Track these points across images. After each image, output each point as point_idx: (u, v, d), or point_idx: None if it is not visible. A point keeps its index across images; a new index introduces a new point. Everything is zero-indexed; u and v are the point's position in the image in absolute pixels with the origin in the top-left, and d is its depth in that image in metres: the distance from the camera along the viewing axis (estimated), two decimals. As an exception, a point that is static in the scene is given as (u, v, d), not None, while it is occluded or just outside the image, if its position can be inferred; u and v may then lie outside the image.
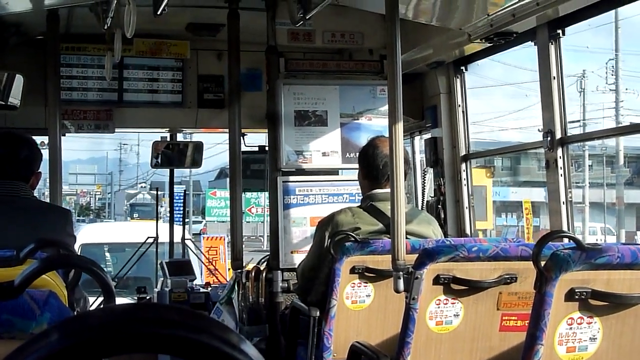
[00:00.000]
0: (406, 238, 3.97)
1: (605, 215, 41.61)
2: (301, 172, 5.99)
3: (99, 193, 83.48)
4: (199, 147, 7.50)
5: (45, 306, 1.60)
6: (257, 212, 37.28)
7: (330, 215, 4.80)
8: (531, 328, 2.67)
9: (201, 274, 10.09)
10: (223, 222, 36.33)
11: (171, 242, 8.28)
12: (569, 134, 4.86)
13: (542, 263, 2.66)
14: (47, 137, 5.99)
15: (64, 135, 6.43)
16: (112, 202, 74.96)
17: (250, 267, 6.21)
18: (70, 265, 2.12)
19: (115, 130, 6.90)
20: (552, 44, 4.85)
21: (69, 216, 4.60)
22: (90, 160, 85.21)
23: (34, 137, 4.55)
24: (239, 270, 6.05)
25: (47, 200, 5.95)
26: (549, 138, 4.79)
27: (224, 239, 15.22)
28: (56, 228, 4.17)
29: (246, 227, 36.16)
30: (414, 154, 6.81)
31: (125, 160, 79.50)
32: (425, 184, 6.28)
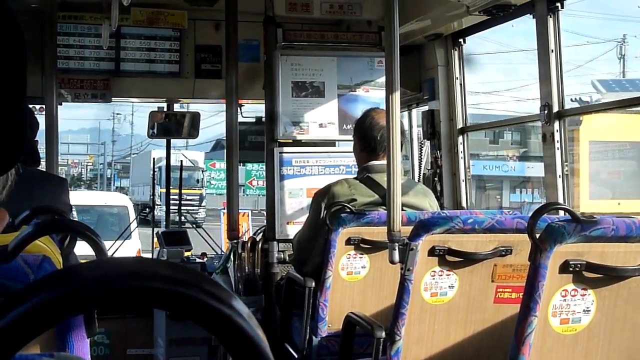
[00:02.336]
0: (402, 210, 3.98)
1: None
2: (298, 143, 5.99)
3: (91, 164, 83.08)
4: (196, 117, 7.49)
5: (39, 270, 1.60)
6: (257, 184, 36.97)
7: (326, 186, 4.80)
8: (525, 300, 2.68)
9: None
10: (221, 194, 36.07)
11: (167, 212, 8.29)
12: (566, 107, 4.86)
13: (537, 235, 2.67)
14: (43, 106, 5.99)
15: (61, 104, 6.41)
16: (105, 173, 74.57)
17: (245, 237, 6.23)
18: (65, 230, 2.12)
19: (112, 100, 6.89)
20: (550, 16, 4.83)
21: (65, 185, 4.59)
22: (82, 130, 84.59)
23: (30, 106, 4.55)
24: (235, 241, 6.06)
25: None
26: (546, 111, 4.78)
27: (248, 215, 15.11)
28: (52, 196, 4.17)
29: (247, 200, 35.94)
30: (410, 126, 6.81)
31: (118, 130, 78.81)
32: (422, 156, 6.28)
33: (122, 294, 0.53)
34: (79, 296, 0.53)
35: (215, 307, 0.55)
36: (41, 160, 5.18)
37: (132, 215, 16.55)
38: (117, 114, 75.07)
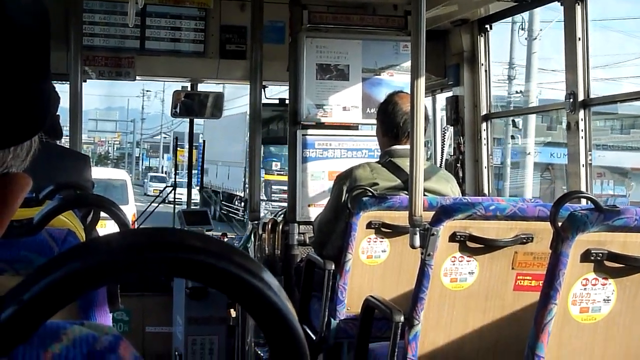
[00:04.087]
0: (424, 195, 3.98)
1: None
2: (321, 126, 5.98)
3: (118, 142, 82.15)
4: (219, 98, 7.49)
5: (63, 244, 1.61)
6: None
7: (348, 169, 4.80)
8: (545, 287, 2.68)
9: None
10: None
11: (189, 191, 8.32)
12: (591, 97, 4.83)
13: (559, 224, 2.66)
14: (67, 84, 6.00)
15: (85, 81, 6.43)
16: (133, 152, 73.40)
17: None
18: (90, 205, 2.13)
19: (137, 78, 6.90)
20: (578, 4, 4.81)
21: (88, 161, 4.62)
22: (109, 108, 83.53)
23: (54, 83, 4.56)
24: (256, 222, 6.07)
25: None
26: (571, 100, 4.76)
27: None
28: (74, 173, 4.19)
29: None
30: (434, 111, 6.79)
31: (147, 108, 77.37)
32: (444, 142, 6.27)
33: (153, 264, 0.54)
34: (110, 265, 0.53)
35: (245, 280, 0.55)
36: (64, 136, 5.20)
37: (130, 187, 18.69)
38: (147, 91, 73.23)
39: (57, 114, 4.65)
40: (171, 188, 8.69)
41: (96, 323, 0.60)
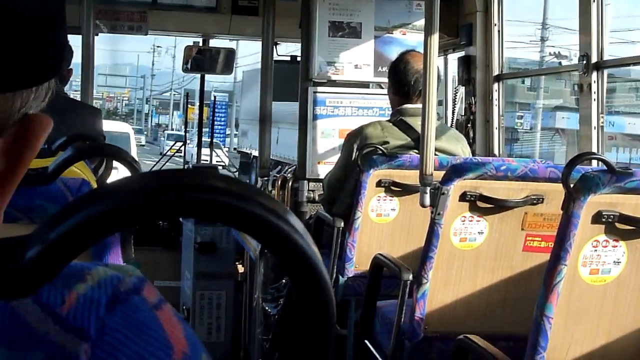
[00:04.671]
0: (434, 154, 3.97)
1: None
2: (332, 83, 5.97)
3: (126, 98, 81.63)
4: (231, 54, 7.47)
5: (78, 193, 1.62)
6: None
7: (359, 127, 4.79)
8: (556, 249, 2.68)
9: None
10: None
11: (199, 147, 8.32)
12: (605, 59, 4.80)
13: (571, 185, 2.66)
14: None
15: (97, 35, 6.41)
16: (143, 108, 72.83)
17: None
18: (104, 154, 2.14)
19: (148, 33, 6.88)
20: (594, -35, 4.76)
21: (99, 114, 4.62)
22: (117, 65, 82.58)
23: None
24: (265, 178, 6.08)
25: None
26: (584, 62, 4.74)
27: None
28: (86, 125, 4.19)
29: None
30: (446, 71, 6.77)
31: (157, 64, 76.51)
32: (456, 102, 6.25)
33: (177, 205, 0.54)
34: (135, 206, 0.53)
35: (270, 221, 0.55)
36: (75, 91, 5.19)
37: (133, 139, 19.81)
38: (158, 46, 72.17)
39: (70, 67, 4.65)
40: (181, 144, 8.72)
41: (120, 265, 0.60)
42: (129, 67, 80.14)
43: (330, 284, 0.59)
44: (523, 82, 36.70)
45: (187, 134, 10.35)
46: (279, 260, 0.58)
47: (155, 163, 10.46)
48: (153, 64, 74.86)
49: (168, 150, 10.77)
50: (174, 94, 63.17)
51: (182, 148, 9.95)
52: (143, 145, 48.89)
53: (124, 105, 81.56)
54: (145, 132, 59.19)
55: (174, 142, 13.59)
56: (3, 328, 0.55)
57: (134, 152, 21.00)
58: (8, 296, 0.55)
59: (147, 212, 0.54)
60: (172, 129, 56.13)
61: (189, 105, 16.56)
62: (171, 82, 64.61)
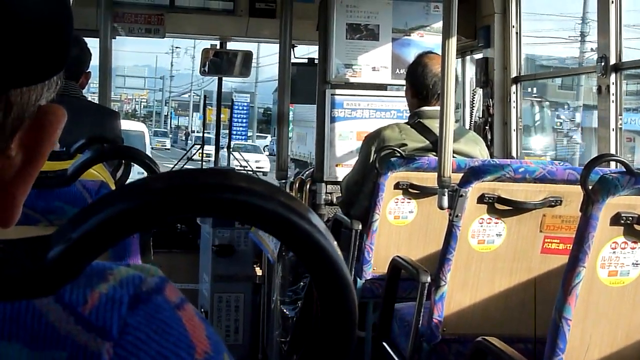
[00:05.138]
0: (452, 157, 3.97)
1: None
2: (350, 86, 5.97)
3: (145, 100, 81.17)
4: (248, 56, 7.48)
5: (97, 195, 1.62)
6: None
7: (377, 130, 4.79)
8: (574, 250, 2.67)
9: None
10: (290, 138, 32.56)
11: (217, 150, 8.33)
12: (623, 60, 4.79)
13: (590, 186, 2.65)
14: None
15: (115, 38, 6.43)
16: (162, 110, 71.79)
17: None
18: (123, 156, 2.14)
19: (166, 36, 6.89)
20: (612, -33, 4.75)
21: (117, 117, 4.64)
22: (137, 66, 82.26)
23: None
24: (283, 181, 6.09)
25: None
26: (602, 63, 4.72)
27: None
28: (104, 128, 4.21)
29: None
30: (464, 73, 6.76)
31: (176, 65, 75.59)
32: (473, 104, 6.24)
33: (200, 204, 0.54)
34: (157, 205, 0.53)
35: (292, 220, 0.55)
36: (93, 93, 5.21)
37: (147, 138, 21.43)
38: (177, 47, 71.95)
39: (89, 70, 4.67)
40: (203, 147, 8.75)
41: (142, 264, 0.61)
42: (147, 68, 79.73)
43: (352, 284, 0.60)
44: (553, 81, 36.27)
45: (204, 135, 10.36)
46: (301, 260, 0.58)
47: (174, 165, 10.48)
48: (172, 65, 74.33)
49: (195, 154, 10.69)
50: (194, 95, 62.63)
51: (201, 150, 9.97)
52: (168, 149, 47.87)
53: (142, 107, 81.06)
54: (169, 135, 57.59)
55: (209, 147, 13.56)
56: (26, 327, 0.55)
57: (147, 150, 21.98)
58: (30, 295, 0.55)
59: (168, 211, 0.54)
60: (193, 131, 55.26)
61: (209, 107, 16.52)
62: (190, 83, 64.14)
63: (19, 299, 0.55)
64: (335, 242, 0.58)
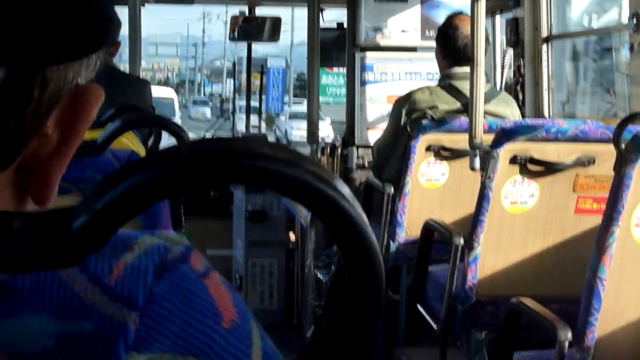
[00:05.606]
0: (484, 118, 3.94)
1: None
2: (379, 49, 5.94)
3: (177, 68, 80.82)
4: (277, 21, 7.46)
5: (127, 164, 1.63)
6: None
7: (407, 93, 4.77)
8: (608, 209, 2.65)
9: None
10: (340, 103, 32.47)
11: (247, 116, 8.34)
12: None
13: (623, 145, 2.63)
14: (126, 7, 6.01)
15: (144, 5, 6.43)
16: (195, 78, 70.66)
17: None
18: (153, 124, 2.15)
19: (194, 2, 6.88)
20: None
21: (148, 86, 4.65)
22: (166, 36, 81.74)
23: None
24: (315, 145, 6.09)
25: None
26: (634, 20, 4.66)
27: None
28: (136, 97, 4.22)
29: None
30: (494, 33, 6.70)
31: (208, 31, 74.39)
32: (504, 65, 6.19)
33: (223, 172, 0.54)
34: (180, 173, 0.53)
35: (318, 188, 0.55)
36: (123, 62, 5.23)
37: (177, 104, 22.63)
38: (208, 13, 70.16)
39: (118, 40, 4.67)
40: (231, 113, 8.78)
41: (167, 233, 0.61)
42: (178, 35, 79.18)
43: (378, 250, 0.59)
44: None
45: (234, 102, 10.37)
46: (327, 227, 0.58)
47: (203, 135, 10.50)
48: (204, 32, 73.30)
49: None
50: (227, 62, 61.39)
51: (232, 118, 9.99)
52: (209, 120, 40.32)
53: (174, 75, 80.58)
54: (209, 104, 51.00)
55: (232, 113, 13.51)
56: (52, 298, 0.56)
57: (177, 115, 23.64)
58: (55, 266, 0.55)
59: (190, 179, 0.54)
60: (226, 98, 52.31)
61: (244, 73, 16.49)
62: (224, 49, 63.32)
63: (44, 269, 0.56)
64: (361, 208, 0.58)
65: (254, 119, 9.30)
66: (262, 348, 0.61)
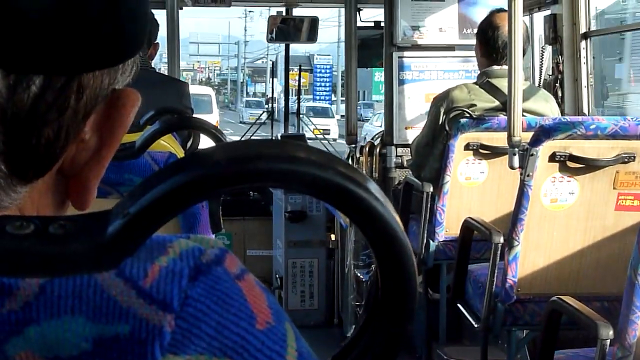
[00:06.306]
0: (522, 116, 3.92)
1: None
2: (417, 47, 5.93)
3: (218, 68, 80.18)
4: (314, 22, 7.46)
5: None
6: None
7: (445, 91, 4.75)
8: (648, 206, 2.63)
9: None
10: None
11: (286, 116, 8.36)
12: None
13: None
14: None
15: (181, 8, 6.46)
16: (238, 78, 69.53)
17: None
18: (191, 127, 2.16)
19: (232, 4, 6.90)
20: None
21: (186, 88, 4.67)
22: (207, 35, 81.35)
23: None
24: (353, 145, 6.09)
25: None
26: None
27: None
28: (173, 100, 4.24)
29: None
30: (532, 31, 6.66)
31: (250, 29, 73.02)
32: (543, 62, 6.15)
33: (257, 175, 0.55)
34: (214, 177, 0.54)
35: (350, 190, 0.55)
36: (163, 63, 5.24)
37: (214, 100, 24.22)
38: (250, 11, 68.65)
39: (157, 42, 4.70)
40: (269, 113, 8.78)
41: (202, 236, 0.61)
42: (220, 35, 78.62)
43: (411, 251, 0.59)
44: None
45: (273, 95, 10.33)
46: (360, 229, 0.58)
47: (244, 134, 10.51)
48: (245, 30, 72.28)
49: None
50: (270, 61, 60.11)
51: (272, 118, 10.01)
52: (264, 124, 37.86)
53: (215, 75, 79.91)
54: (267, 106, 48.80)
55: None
56: (88, 302, 0.56)
57: (214, 110, 25.70)
58: (91, 270, 0.56)
59: (224, 183, 0.54)
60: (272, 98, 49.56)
61: (292, 71, 16.44)
62: (267, 47, 62.37)
63: (80, 273, 0.56)
64: (395, 210, 0.58)
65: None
66: (297, 349, 0.61)
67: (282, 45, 8.02)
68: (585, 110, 5.66)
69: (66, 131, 0.64)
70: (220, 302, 0.58)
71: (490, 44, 4.64)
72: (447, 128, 4.40)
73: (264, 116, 9.58)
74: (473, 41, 4.94)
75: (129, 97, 0.69)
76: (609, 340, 2.59)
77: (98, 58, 0.64)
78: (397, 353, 0.63)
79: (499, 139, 4.21)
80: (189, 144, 2.87)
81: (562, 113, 5.28)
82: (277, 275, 6.16)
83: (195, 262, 0.59)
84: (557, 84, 5.83)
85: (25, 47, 0.59)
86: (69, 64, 0.62)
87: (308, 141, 6.82)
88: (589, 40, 5.85)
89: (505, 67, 4.21)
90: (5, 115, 0.61)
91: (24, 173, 0.64)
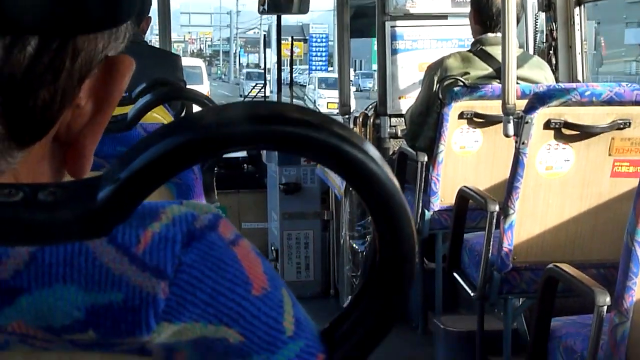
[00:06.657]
0: (517, 83, 3.91)
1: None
2: (409, 17, 5.90)
3: (209, 39, 79.56)
4: (306, -8, 7.42)
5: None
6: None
7: (439, 59, 4.73)
8: (644, 172, 2.63)
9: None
10: None
11: (279, 88, 8.32)
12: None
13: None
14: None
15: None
16: (231, 48, 68.90)
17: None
18: (183, 98, 2.15)
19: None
20: None
21: (179, 61, 4.65)
22: (197, 5, 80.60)
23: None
24: (347, 116, 6.07)
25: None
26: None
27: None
28: (166, 73, 4.21)
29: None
30: (526, -3, 6.64)
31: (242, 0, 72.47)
32: (536, 29, 6.13)
33: (249, 137, 0.53)
34: (205, 140, 0.53)
35: (346, 151, 0.54)
36: (154, 35, 5.22)
37: (205, 72, 24.66)
38: None
39: (149, 15, 4.68)
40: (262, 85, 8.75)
41: (195, 202, 0.60)
42: (211, 5, 77.99)
43: (409, 210, 0.58)
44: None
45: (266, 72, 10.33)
46: (356, 190, 0.57)
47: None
48: (237, 0, 72.12)
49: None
50: (263, 31, 59.49)
51: (264, 90, 9.98)
52: (267, 96, 33.78)
53: (207, 46, 79.32)
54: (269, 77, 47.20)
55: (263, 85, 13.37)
56: (80, 270, 0.55)
57: (205, 81, 26.76)
58: (82, 238, 0.55)
59: (216, 145, 0.53)
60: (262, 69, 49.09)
61: (285, 41, 16.33)
62: (260, 17, 61.76)
63: (71, 241, 0.55)
64: (390, 170, 0.56)
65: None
66: (294, 315, 0.60)
67: (275, 16, 7.95)
68: (580, 77, 5.64)
69: (62, 94, 0.64)
70: (214, 267, 0.57)
71: (484, 11, 4.62)
72: (440, 97, 4.38)
73: (267, 89, 9.51)
74: (466, 9, 4.92)
75: (123, 62, 0.69)
76: (605, 307, 2.59)
77: (93, 20, 0.64)
78: (393, 321, 0.61)
79: (493, 107, 4.20)
80: (183, 114, 2.86)
81: (557, 80, 5.26)
82: (272, 248, 6.17)
83: (189, 227, 0.58)
84: (551, 51, 5.81)
85: (20, 8, 0.59)
86: (64, 26, 0.62)
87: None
88: (582, 6, 5.83)
89: (499, 34, 4.19)
90: (2, 76, 0.61)
91: (21, 137, 0.64)
